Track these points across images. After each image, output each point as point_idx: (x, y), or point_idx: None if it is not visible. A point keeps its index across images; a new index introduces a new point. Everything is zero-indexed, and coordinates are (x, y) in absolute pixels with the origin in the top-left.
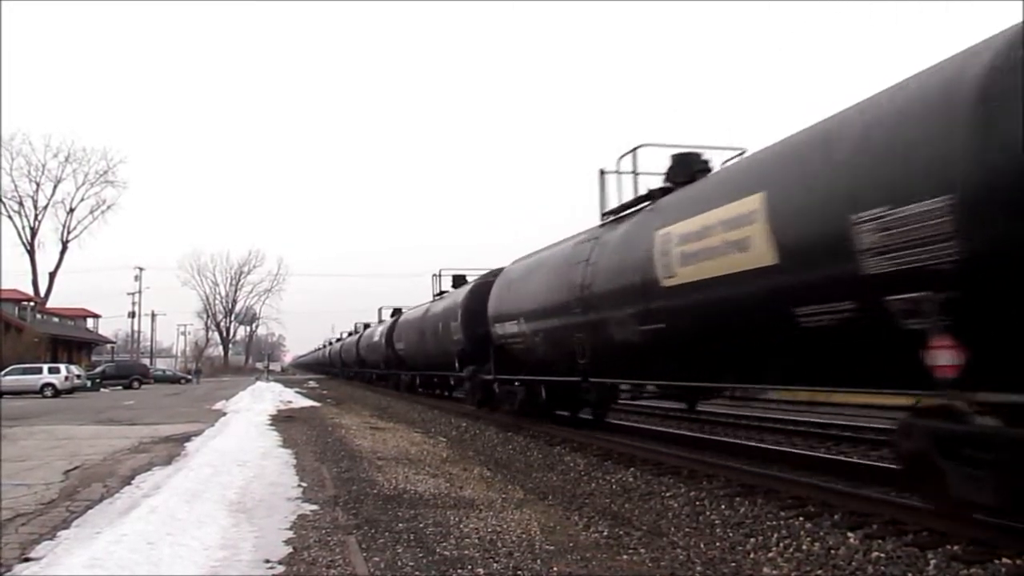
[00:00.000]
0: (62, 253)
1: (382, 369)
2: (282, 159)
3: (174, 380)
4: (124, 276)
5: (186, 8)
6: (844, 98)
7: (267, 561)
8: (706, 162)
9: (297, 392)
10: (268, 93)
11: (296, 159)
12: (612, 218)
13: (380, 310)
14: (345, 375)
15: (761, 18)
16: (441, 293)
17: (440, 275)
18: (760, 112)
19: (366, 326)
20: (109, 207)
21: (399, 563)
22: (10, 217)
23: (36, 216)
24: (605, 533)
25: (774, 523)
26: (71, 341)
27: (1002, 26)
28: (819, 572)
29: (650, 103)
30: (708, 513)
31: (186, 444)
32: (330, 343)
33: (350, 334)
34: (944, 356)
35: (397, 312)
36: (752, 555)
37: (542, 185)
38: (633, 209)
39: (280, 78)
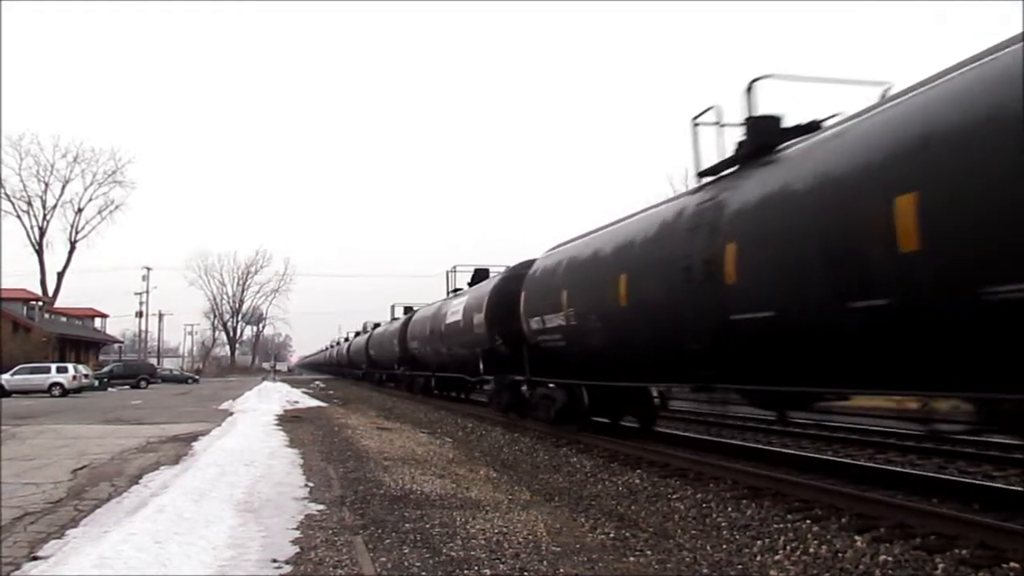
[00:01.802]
0: (70, 253)
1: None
2: (289, 159)
3: (181, 380)
4: (132, 276)
5: (194, 9)
6: None
7: (274, 561)
8: None
9: (304, 392)
10: (276, 93)
11: (303, 159)
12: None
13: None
14: (353, 376)
15: None
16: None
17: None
18: None
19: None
20: (117, 207)
21: (406, 563)
22: (19, 217)
23: (45, 216)
24: (611, 535)
25: (781, 526)
26: (79, 341)
27: (1002, 26)
28: (826, 575)
29: (649, 104)
30: (715, 515)
31: (193, 444)
32: (337, 343)
33: (358, 334)
34: None
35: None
36: (759, 558)
37: (545, 184)
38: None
39: (288, 78)
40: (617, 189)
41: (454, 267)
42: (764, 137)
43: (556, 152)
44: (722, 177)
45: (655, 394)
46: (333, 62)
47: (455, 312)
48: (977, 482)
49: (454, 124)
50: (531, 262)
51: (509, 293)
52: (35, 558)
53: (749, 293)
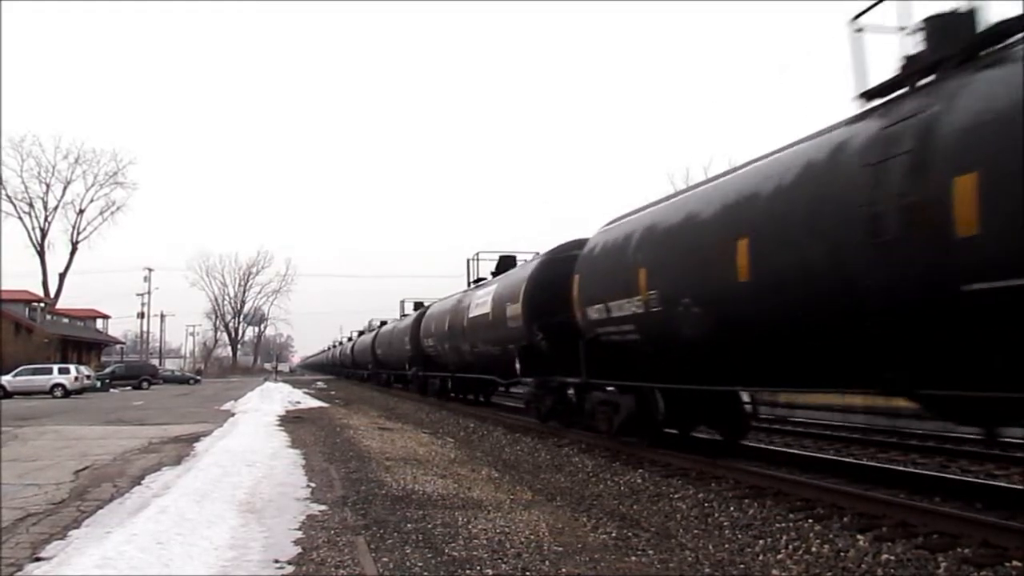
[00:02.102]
0: (72, 254)
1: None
2: (291, 159)
3: (183, 381)
4: (133, 277)
5: (195, 10)
6: None
7: (276, 561)
8: None
9: (305, 393)
10: (277, 94)
11: (305, 159)
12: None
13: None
14: (358, 376)
15: None
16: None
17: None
18: None
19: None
20: (119, 208)
21: (408, 564)
22: (20, 218)
23: (46, 217)
24: (613, 534)
25: (783, 525)
26: (81, 342)
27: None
28: (828, 574)
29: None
30: (717, 515)
31: (195, 444)
32: (339, 343)
33: (361, 333)
34: None
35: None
36: (761, 557)
37: (546, 184)
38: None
39: (290, 78)
40: (618, 189)
41: (476, 254)
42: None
43: (558, 152)
44: (922, 88)
45: (747, 399)
46: (335, 61)
47: (481, 304)
48: (980, 481)
49: (457, 123)
50: (581, 241)
51: (554, 278)
52: (38, 559)
53: (1000, 251)
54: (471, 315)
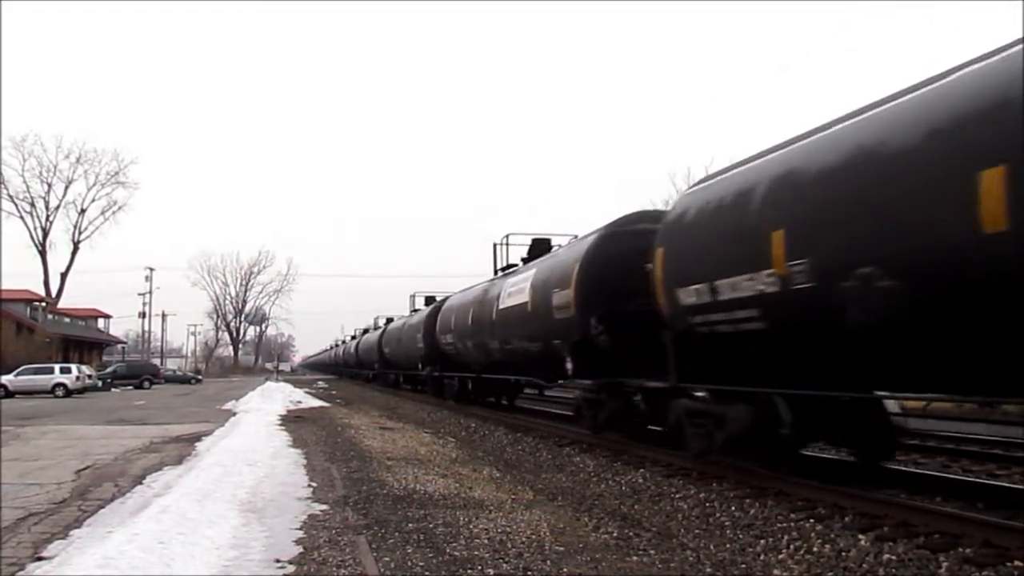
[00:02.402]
0: (73, 254)
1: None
2: (292, 159)
3: (184, 380)
4: (135, 277)
5: (196, 9)
6: None
7: (278, 561)
8: None
9: (307, 393)
10: (278, 92)
11: (306, 159)
12: None
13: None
14: (362, 377)
15: None
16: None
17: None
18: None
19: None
20: (120, 208)
21: (409, 563)
22: (22, 218)
23: (48, 217)
24: (615, 534)
25: (784, 525)
26: (82, 341)
27: (999, 26)
28: (830, 574)
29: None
30: (718, 515)
31: (197, 444)
32: (341, 342)
33: (365, 331)
34: None
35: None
36: (762, 557)
37: (548, 184)
38: None
39: (291, 77)
40: (620, 189)
41: (506, 237)
42: None
43: (559, 152)
44: None
45: (897, 410)
46: (337, 60)
47: (516, 293)
48: (981, 481)
49: (461, 123)
50: (652, 213)
51: (619, 256)
52: (39, 558)
53: None
54: (502, 306)
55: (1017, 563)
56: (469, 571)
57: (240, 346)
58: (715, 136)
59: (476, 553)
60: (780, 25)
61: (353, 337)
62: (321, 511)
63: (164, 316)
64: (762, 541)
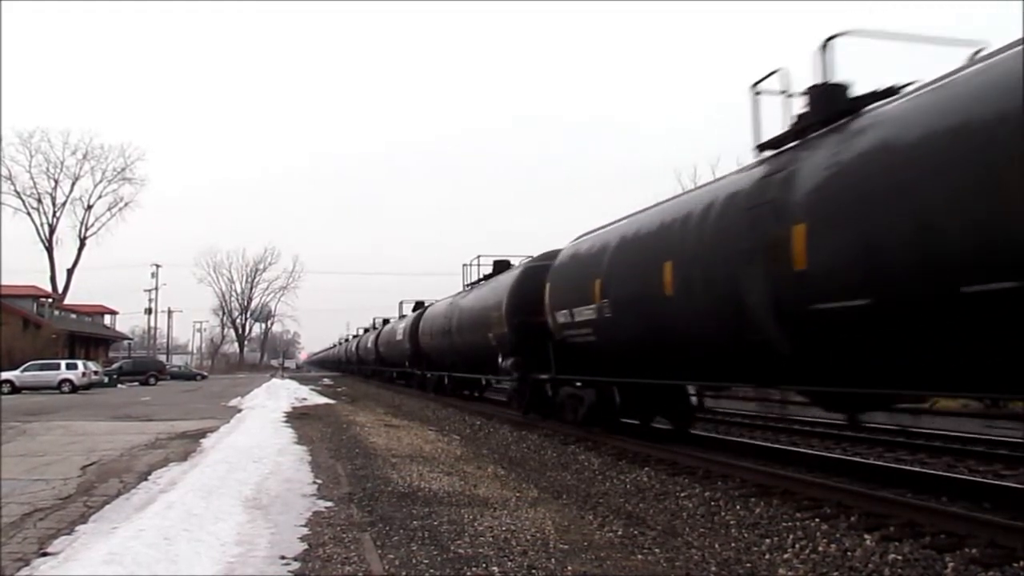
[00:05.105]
0: (80, 250)
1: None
2: (299, 156)
3: (189, 377)
4: (141, 273)
5: (203, 6)
6: None
7: (283, 557)
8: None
9: (312, 390)
10: (285, 90)
11: (313, 156)
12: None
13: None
14: (363, 373)
15: None
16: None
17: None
18: None
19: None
20: (127, 204)
21: (414, 561)
22: (29, 214)
23: (54, 213)
24: (619, 532)
25: (789, 524)
26: (88, 337)
27: (999, 26)
28: (835, 574)
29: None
30: (723, 513)
31: (202, 440)
32: (346, 340)
33: (367, 330)
34: None
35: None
36: (767, 556)
37: (551, 183)
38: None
39: (298, 74)
40: (623, 189)
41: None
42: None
43: (560, 153)
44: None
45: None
46: (343, 56)
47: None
48: (987, 481)
49: (466, 122)
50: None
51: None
52: (45, 554)
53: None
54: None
55: (1023, 563)
56: (473, 569)
57: (246, 343)
58: (718, 136)
59: (481, 551)
60: (780, 26)
61: (356, 335)
62: (326, 508)
63: (170, 312)
64: (767, 540)
